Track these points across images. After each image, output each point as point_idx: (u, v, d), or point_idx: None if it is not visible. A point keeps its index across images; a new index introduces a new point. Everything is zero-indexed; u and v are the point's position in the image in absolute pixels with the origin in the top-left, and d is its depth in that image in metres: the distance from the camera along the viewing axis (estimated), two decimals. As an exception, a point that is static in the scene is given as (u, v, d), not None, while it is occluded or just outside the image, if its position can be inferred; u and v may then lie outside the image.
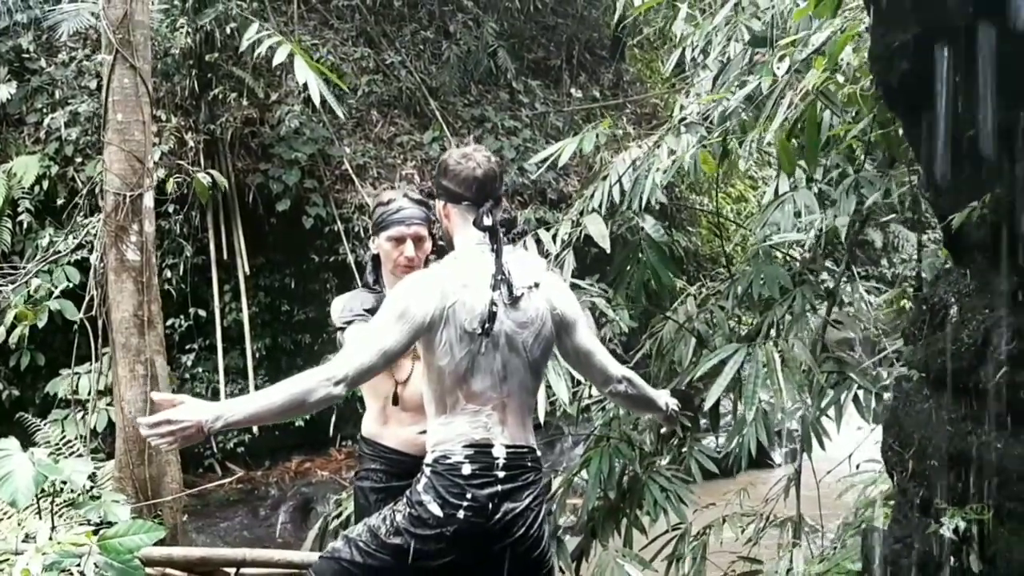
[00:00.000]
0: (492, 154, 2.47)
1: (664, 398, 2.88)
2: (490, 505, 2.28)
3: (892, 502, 2.28)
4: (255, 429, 8.91)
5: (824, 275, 4.78)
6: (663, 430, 4.16)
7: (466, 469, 2.28)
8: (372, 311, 2.61)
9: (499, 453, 2.32)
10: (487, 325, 2.28)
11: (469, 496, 2.26)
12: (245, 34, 4.37)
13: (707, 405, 3.83)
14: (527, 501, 2.34)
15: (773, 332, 4.29)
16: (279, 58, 4.27)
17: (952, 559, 1.64)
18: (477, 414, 2.33)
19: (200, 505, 8.42)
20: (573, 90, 12.82)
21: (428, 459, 2.35)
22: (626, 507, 4.40)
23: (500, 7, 12.22)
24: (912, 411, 1.81)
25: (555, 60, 12.97)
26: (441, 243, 2.82)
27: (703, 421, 4.98)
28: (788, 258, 4.91)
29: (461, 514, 2.25)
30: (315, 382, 2.13)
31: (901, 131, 2.50)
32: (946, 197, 1.71)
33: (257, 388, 9.13)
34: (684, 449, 4.55)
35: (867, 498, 3.47)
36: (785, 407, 3.83)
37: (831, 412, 3.95)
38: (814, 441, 4.08)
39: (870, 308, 4.92)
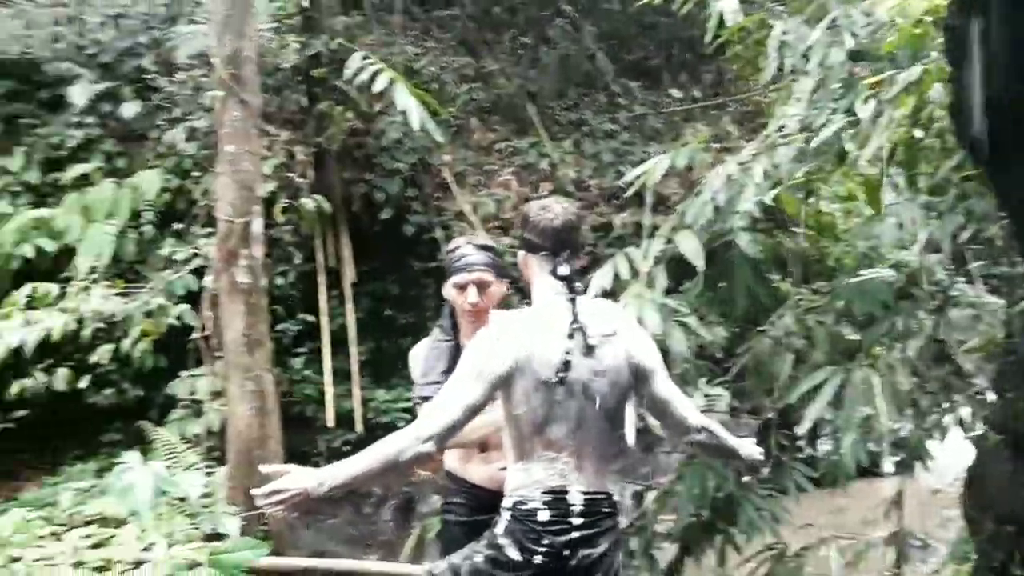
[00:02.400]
0: (572, 205, 2.52)
1: (747, 448, 2.82)
2: (566, 551, 2.33)
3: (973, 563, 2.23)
4: (359, 427, 9.19)
5: (940, 275, 4.61)
6: (746, 478, 4.09)
7: (543, 516, 2.34)
8: (448, 370, 2.65)
9: (575, 500, 2.37)
10: (562, 374, 2.32)
11: (546, 542, 2.32)
12: (348, 62, 4.54)
13: (802, 428, 3.78)
14: (603, 547, 2.38)
15: (877, 349, 4.19)
16: (380, 85, 4.42)
17: (1027, 628, 1.60)
18: (554, 461, 2.38)
19: (308, 502, 8.73)
20: (673, 90, 12.67)
21: (506, 503, 2.42)
22: (720, 525, 4.38)
23: (599, 9, 12.19)
24: (993, 472, 1.78)
25: (655, 60, 12.84)
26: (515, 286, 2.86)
27: (799, 434, 4.90)
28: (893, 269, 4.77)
29: (538, 559, 2.32)
30: (406, 442, 2.25)
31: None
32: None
33: (362, 391, 9.43)
34: (781, 466, 4.50)
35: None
36: (884, 429, 3.75)
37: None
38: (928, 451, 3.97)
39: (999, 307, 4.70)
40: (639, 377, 2.50)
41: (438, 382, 2.74)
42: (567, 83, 11.60)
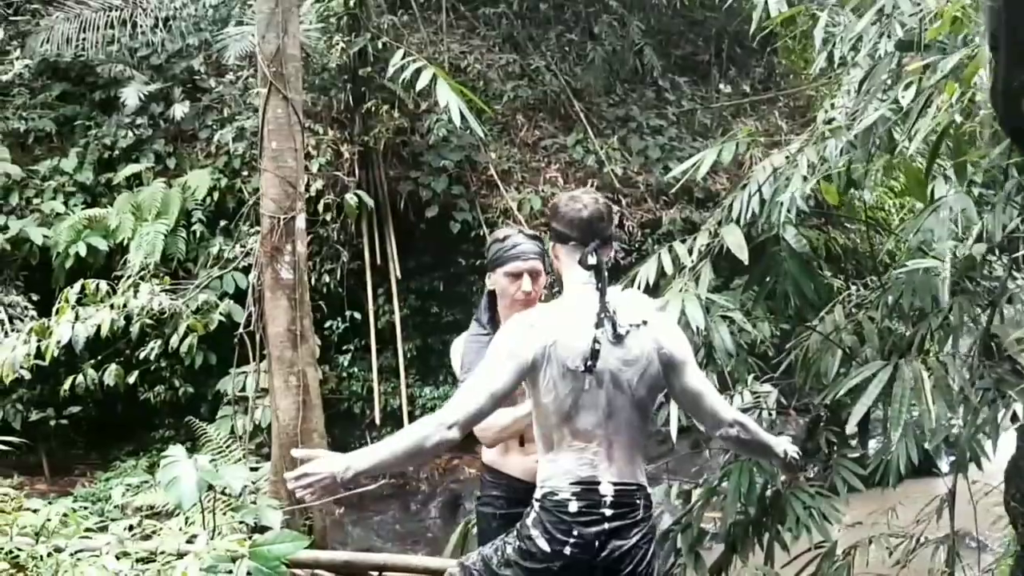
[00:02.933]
0: (601, 196, 2.50)
1: (783, 445, 2.76)
2: (596, 543, 2.31)
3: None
4: (406, 424, 9.25)
5: (998, 269, 4.48)
6: (783, 477, 4.00)
7: (573, 506, 2.33)
8: None
9: (606, 491, 2.35)
10: (590, 363, 2.31)
11: (576, 533, 2.31)
12: (391, 60, 4.57)
13: (850, 426, 3.69)
14: (635, 539, 2.35)
15: (928, 345, 4.08)
16: (422, 82, 4.44)
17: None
18: (583, 451, 2.37)
19: (356, 498, 8.83)
20: (722, 85, 12.52)
21: (537, 494, 2.41)
22: (767, 523, 4.30)
23: (646, 4, 12.10)
24: None
25: (703, 55, 12.71)
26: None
27: (851, 433, 4.79)
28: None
29: (568, 550, 2.30)
30: (430, 428, 2.26)
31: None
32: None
33: (408, 387, 9.51)
34: (830, 464, 4.42)
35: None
36: (934, 426, 3.65)
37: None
38: (983, 450, 3.85)
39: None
40: (669, 368, 2.47)
41: None
42: (614, 79, 11.54)
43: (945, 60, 2.92)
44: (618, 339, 2.37)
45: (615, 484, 2.37)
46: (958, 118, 2.95)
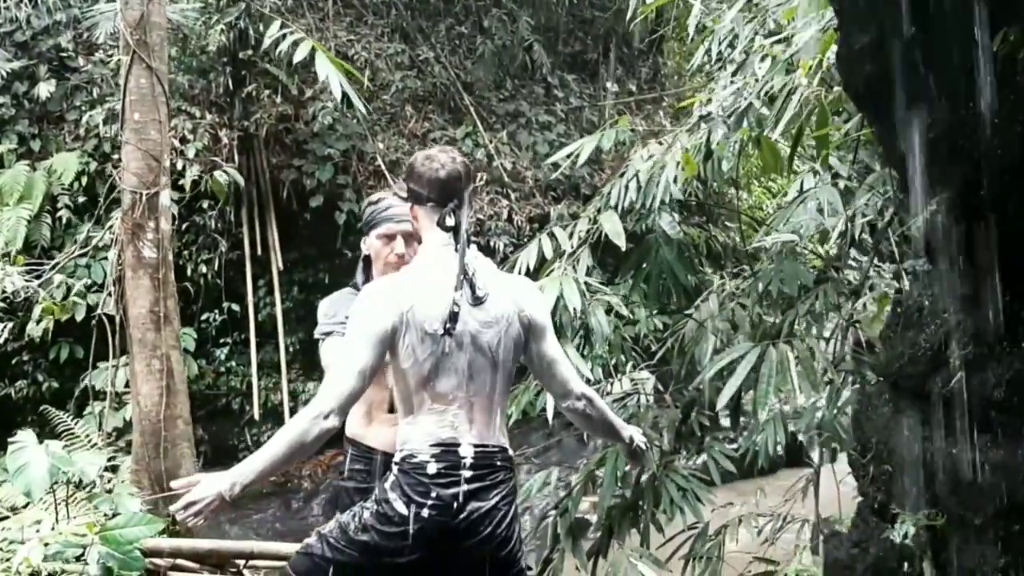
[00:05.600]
0: (459, 154, 2.46)
1: (629, 431, 2.76)
2: (455, 504, 2.27)
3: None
4: (287, 420, 9.00)
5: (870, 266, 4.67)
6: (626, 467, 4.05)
7: (431, 468, 2.28)
8: None
9: (466, 452, 2.32)
10: (448, 325, 2.27)
11: (434, 495, 2.26)
12: (267, 32, 4.43)
13: (719, 406, 3.78)
14: (495, 500, 2.32)
15: (796, 331, 4.22)
16: (300, 55, 4.31)
17: (906, 565, 1.61)
18: (443, 413, 2.33)
19: (234, 496, 8.54)
20: (609, 84, 12.73)
21: (396, 458, 2.36)
22: (643, 506, 4.37)
23: (536, 1, 12.18)
24: (873, 415, 1.78)
25: (592, 54, 12.89)
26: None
27: (722, 413, 4.91)
28: (813, 255, 4.84)
29: (425, 512, 2.25)
30: (307, 423, 2.18)
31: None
32: (912, 197, 1.67)
33: (290, 383, 9.27)
34: (703, 449, 4.52)
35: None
36: (799, 406, 3.77)
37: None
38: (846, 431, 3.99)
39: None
40: (529, 331, 2.45)
41: (342, 322, 2.69)
42: (503, 74, 11.58)
43: (800, 35, 3.01)
44: (477, 301, 2.34)
45: (475, 446, 2.34)
46: (803, 88, 3.05)
